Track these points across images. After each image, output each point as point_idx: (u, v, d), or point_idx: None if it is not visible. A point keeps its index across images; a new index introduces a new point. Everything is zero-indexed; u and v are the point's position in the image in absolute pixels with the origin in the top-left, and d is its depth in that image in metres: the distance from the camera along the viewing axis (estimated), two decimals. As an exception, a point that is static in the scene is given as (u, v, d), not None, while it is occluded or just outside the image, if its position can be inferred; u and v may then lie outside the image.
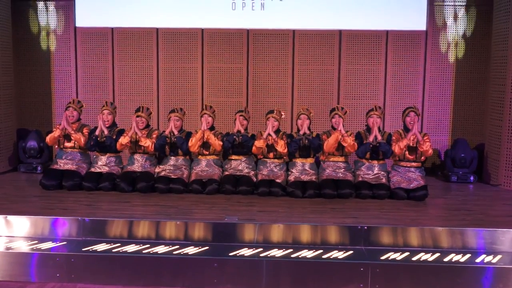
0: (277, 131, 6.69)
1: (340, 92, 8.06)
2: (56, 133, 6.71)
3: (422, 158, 6.53)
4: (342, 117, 6.61)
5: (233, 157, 6.82)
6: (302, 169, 6.66)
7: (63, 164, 6.71)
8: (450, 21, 8.01)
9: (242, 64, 8.14)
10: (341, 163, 6.65)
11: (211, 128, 6.79)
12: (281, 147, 6.56)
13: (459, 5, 7.98)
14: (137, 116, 6.76)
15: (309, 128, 6.65)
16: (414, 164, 6.54)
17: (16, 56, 8.15)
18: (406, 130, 6.58)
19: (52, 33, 8.28)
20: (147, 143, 6.64)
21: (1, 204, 5.77)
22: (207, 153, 6.77)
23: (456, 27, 8.01)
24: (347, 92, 8.06)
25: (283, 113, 6.84)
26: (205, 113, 6.77)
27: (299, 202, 6.16)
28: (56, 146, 6.96)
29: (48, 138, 6.80)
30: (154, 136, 6.76)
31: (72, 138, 6.72)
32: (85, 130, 6.82)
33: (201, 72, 8.16)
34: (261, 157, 6.77)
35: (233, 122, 6.88)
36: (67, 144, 6.79)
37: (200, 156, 6.81)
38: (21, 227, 5.27)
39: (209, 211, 5.70)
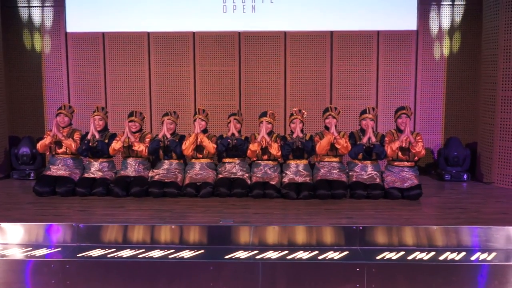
0: (270, 133, 6.69)
1: (332, 93, 8.08)
2: (46, 140, 6.67)
3: (416, 158, 6.56)
4: (336, 118, 6.62)
5: (227, 160, 6.82)
6: (296, 170, 6.66)
7: (56, 170, 6.67)
8: (440, 20, 8.05)
9: (234, 66, 8.14)
10: (335, 163, 6.66)
11: (204, 131, 6.79)
12: (274, 150, 6.56)
13: (449, 4, 8.02)
14: (130, 121, 6.74)
15: (302, 131, 6.65)
16: (407, 164, 6.56)
17: (6, 62, 8.11)
18: (399, 130, 6.60)
19: (42, 38, 8.25)
20: (140, 147, 6.62)
21: (-6, 212, 5.75)
22: (201, 156, 6.77)
23: (447, 26, 8.05)
24: (339, 93, 8.07)
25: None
26: (198, 117, 6.77)
27: (293, 203, 6.16)
28: (48, 153, 6.92)
29: (39, 145, 6.76)
30: (147, 140, 6.74)
31: (63, 144, 6.69)
32: (76, 136, 6.78)
33: (193, 76, 8.15)
34: (255, 159, 6.77)
35: (227, 125, 6.87)
36: (58, 150, 6.75)
37: (193, 159, 6.80)
38: (15, 234, 5.24)
39: (204, 215, 5.69)
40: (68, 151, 6.73)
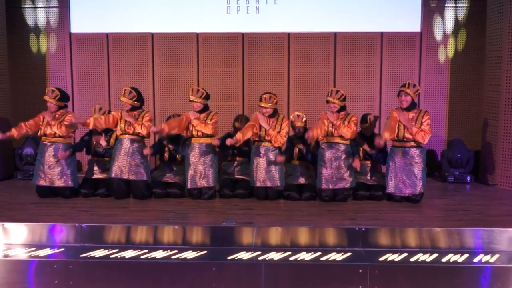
0: (273, 116, 6.40)
1: (336, 94, 8.06)
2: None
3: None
4: (336, 103, 6.30)
5: (231, 158, 6.83)
6: (300, 171, 6.60)
7: (50, 174, 6.37)
8: (444, 22, 8.04)
9: (237, 67, 8.15)
10: (341, 145, 6.26)
11: (206, 109, 6.49)
12: (272, 138, 6.26)
13: (453, 6, 8.01)
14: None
15: (305, 128, 6.59)
16: (413, 144, 6.14)
17: (11, 63, 8.14)
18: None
19: (47, 39, 8.28)
20: (137, 129, 6.32)
21: (-2, 212, 5.76)
22: (201, 135, 6.40)
23: (451, 28, 8.04)
24: (342, 94, 8.07)
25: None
26: (192, 100, 6.42)
27: (296, 204, 6.16)
28: (39, 133, 6.52)
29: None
30: (147, 118, 6.42)
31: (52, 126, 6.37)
32: (68, 117, 6.46)
33: (197, 76, 8.17)
34: (256, 138, 6.39)
35: (232, 125, 6.98)
36: (47, 132, 6.40)
37: (192, 138, 6.42)
38: (18, 234, 5.26)
39: (207, 215, 5.70)
40: (57, 134, 6.43)
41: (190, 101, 6.46)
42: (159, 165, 6.99)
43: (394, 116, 6.18)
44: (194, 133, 6.39)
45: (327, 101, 6.32)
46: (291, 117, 6.75)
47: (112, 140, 6.69)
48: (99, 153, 6.73)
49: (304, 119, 6.68)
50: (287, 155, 6.48)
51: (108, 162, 6.61)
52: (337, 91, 6.33)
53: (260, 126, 6.33)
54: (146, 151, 6.35)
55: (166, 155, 6.77)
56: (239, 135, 6.19)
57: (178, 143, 6.74)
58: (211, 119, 6.42)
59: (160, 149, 6.80)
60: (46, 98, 6.48)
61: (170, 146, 6.75)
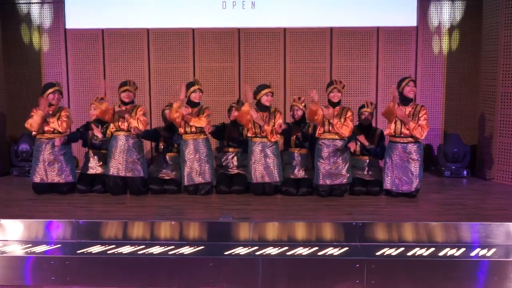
0: (267, 109, 6.38)
1: (332, 89, 8.06)
2: (36, 117, 6.26)
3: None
4: (341, 91, 6.28)
5: (228, 149, 6.79)
6: (298, 159, 6.58)
7: (46, 170, 6.32)
8: (440, 16, 8.04)
9: (233, 63, 8.13)
10: (338, 141, 6.22)
11: (197, 103, 6.41)
12: (268, 133, 6.25)
13: (449, 0, 8.01)
14: (124, 91, 6.39)
15: (304, 118, 6.58)
16: (411, 139, 6.12)
17: (6, 59, 8.10)
18: (404, 100, 6.20)
19: (42, 35, 8.24)
20: (133, 124, 6.25)
21: (-6, 208, 5.74)
22: (194, 130, 6.37)
23: (447, 22, 8.05)
24: (339, 89, 8.06)
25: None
26: (192, 91, 6.33)
27: (293, 199, 6.16)
28: (34, 133, 6.42)
29: (30, 125, 6.28)
30: (141, 113, 6.36)
31: (49, 122, 6.30)
32: (63, 113, 6.41)
33: (193, 72, 8.15)
34: (252, 134, 6.34)
35: (227, 111, 6.97)
36: (45, 128, 6.31)
37: (186, 135, 6.36)
38: (14, 230, 5.24)
39: (204, 211, 5.69)
40: (56, 130, 6.37)
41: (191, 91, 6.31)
42: (155, 157, 6.94)
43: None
44: (188, 129, 6.34)
45: (331, 90, 6.28)
46: (292, 99, 6.71)
47: (108, 132, 6.66)
48: (95, 145, 6.71)
49: (303, 103, 6.62)
50: (285, 129, 6.37)
51: (105, 155, 6.56)
52: (340, 81, 6.36)
53: (254, 123, 6.30)
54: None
55: (161, 144, 6.73)
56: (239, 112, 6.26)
57: (173, 132, 6.68)
58: (203, 113, 6.36)
59: (155, 137, 6.76)
60: (53, 90, 6.37)
61: (164, 134, 6.69)
